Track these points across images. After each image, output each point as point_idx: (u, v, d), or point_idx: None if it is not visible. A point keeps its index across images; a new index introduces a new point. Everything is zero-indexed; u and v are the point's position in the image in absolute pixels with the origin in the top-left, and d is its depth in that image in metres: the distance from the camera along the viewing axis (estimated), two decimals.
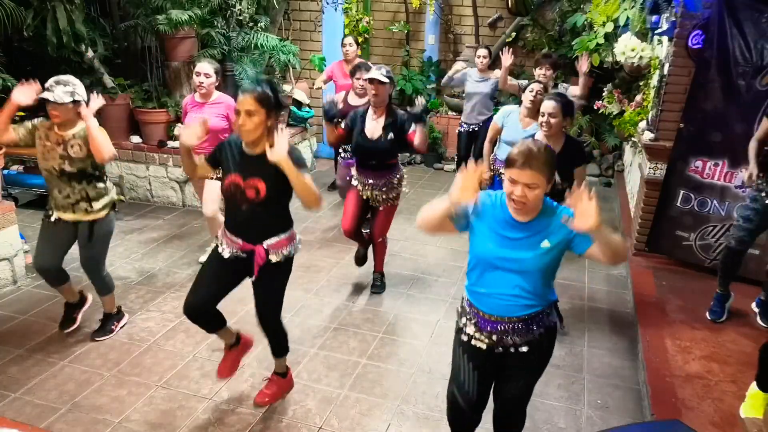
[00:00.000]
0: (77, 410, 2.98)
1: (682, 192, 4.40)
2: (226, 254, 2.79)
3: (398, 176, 3.98)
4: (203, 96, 4.26)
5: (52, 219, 3.35)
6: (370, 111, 3.83)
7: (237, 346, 3.14)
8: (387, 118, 3.78)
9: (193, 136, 2.68)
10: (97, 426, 2.88)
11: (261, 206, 2.66)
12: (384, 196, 3.95)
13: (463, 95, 6.08)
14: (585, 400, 3.20)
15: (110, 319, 3.66)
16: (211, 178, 2.98)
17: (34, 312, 3.88)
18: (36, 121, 3.29)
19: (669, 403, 3.00)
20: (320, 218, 5.65)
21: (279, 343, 3.05)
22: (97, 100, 3.27)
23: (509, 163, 2.07)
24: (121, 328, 3.70)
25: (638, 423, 2.96)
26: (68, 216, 3.33)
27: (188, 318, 2.86)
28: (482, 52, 5.77)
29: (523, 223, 2.13)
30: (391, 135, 3.75)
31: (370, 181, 3.91)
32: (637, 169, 5.59)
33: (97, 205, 3.35)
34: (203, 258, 4.24)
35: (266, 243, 2.74)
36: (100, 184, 3.36)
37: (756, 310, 3.86)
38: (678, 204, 4.43)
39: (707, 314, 3.85)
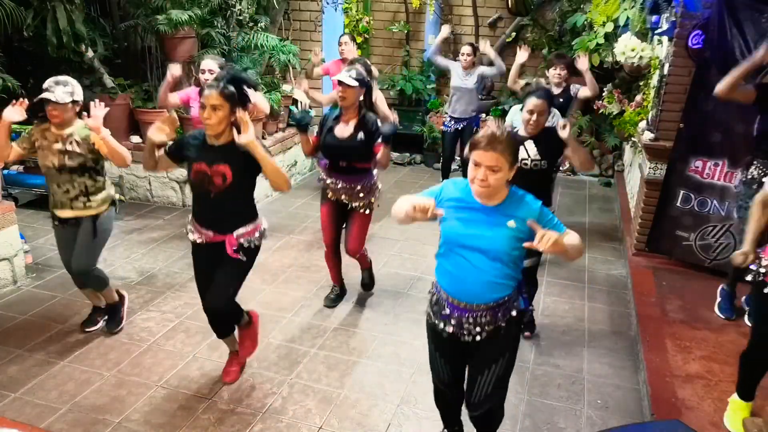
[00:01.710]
0: (77, 410, 2.98)
1: (682, 192, 4.40)
2: (198, 241, 2.95)
3: (371, 183, 3.75)
4: None
5: (57, 222, 3.41)
6: (341, 113, 3.65)
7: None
8: (358, 121, 3.59)
9: (161, 133, 2.80)
10: (97, 426, 2.88)
11: (228, 193, 2.80)
12: (356, 202, 3.73)
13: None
14: (585, 400, 3.20)
15: (117, 309, 3.71)
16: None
17: (34, 312, 3.88)
18: (28, 130, 3.35)
19: (669, 403, 3.00)
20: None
21: (231, 321, 3.17)
22: (102, 109, 3.21)
23: (473, 145, 2.12)
24: (127, 310, 3.79)
25: (638, 423, 2.96)
26: (67, 213, 3.36)
27: (211, 319, 3.07)
28: (466, 49, 5.70)
29: (489, 207, 2.18)
30: (361, 135, 3.56)
31: (340, 185, 3.71)
32: (637, 169, 5.59)
33: (95, 199, 3.38)
34: None
35: (236, 233, 2.89)
36: (99, 178, 3.41)
37: (746, 307, 3.85)
38: (678, 204, 4.43)
39: (718, 312, 3.84)
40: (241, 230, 2.91)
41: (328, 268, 4.11)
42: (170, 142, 2.93)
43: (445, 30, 5.90)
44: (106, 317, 3.73)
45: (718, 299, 3.91)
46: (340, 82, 3.51)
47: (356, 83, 3.51)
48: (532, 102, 3.25)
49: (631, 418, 3.06)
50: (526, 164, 3.27)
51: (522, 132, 3.34)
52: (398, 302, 4.18)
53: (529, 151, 3.29)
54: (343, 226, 3.94)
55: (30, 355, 3.41)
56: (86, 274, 3.46)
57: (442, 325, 2.33)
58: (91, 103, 3.21)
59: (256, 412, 3.02)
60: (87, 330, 3.65)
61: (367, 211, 3.80)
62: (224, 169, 2.76)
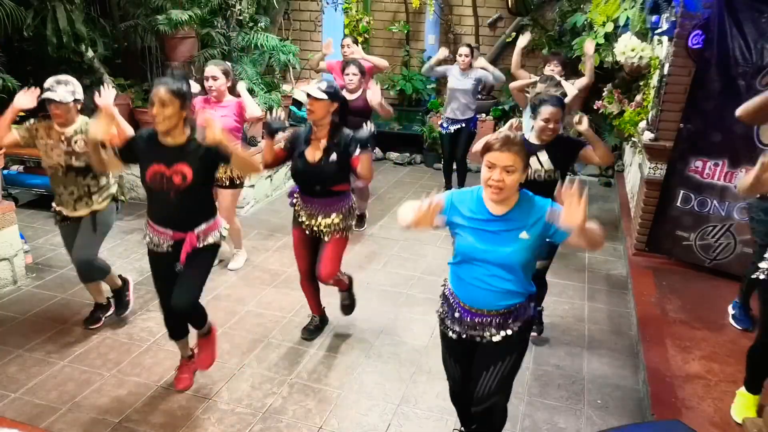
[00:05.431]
0: (77, 410, 2.98)
1: (682, 192, 4.40)
2: (161, 247, 2.91)
3: (347, 206, 3.39)
4: (216, 98, 4.26)
5: (60, 218, 3.47)
6: (311, 132, 3.28)
7: (193, 358, 3.27)
8: (329, 139, 3.22)
9: (101, 130, 2.78)
10: (97, 426, 2.88)
11: (188, 192, 2.78)
12: (331, 228, 3.35)
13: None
14: (585, 400, 3.20)
15: (122, 293, 3.78)
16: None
17: (34, 312, 3.88)
18: (32, 121, 3.38)
19: (669, 403, 3.00)
20: None
21: (198, 323, 3.12)
22: (111, 91, 3.20)
23: (488, 148, 2.13)
24: (132, 292, 3.87)
25: (638, 423, 2.96)
26: (70, 212, 3.42)
27: (172, 320, 3.06)
28: (463, 50, 5.72)
29: (501, 216, 2.19)
30: (333, 156, 3.19)
31: (315, 210, 3.35)
32: (637, 169, 5.59)
33: (98, 198, 3.44)
34: None
35: (197, 230, 2.88)
36: (103, 179, 3.45)
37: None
38: (678, 204, 4.43)
39: (734, 324, 3.71)
40: (202, 226, 2.90)
41: (306, 298, 3.74)
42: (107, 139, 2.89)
43: (442, 53, 5.92)
44: (108, 314, 3.77)
45: (732, 312, 3.78)
46: (308, 95, 3.18)
47: (325, 96, 3.13)
48: (548, 110, 3.18)
49: (631, 418, 3.06)
50: (539, 176, 3.23)
51: (534, 140, 3.27)
52: (398, 302, 4.18)
53: (542, 162, 3.24)
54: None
55: (30, 355, 3.41)
56: (89, 265, 3.50)
57: (451, 327, 2.37)
58: (104, 87, 3.21)
59: (256, 412, 3.02)
60: (90, 328, 3.67)
61: (344, 235, 3.43)
62: (184, 168, 2.74)
